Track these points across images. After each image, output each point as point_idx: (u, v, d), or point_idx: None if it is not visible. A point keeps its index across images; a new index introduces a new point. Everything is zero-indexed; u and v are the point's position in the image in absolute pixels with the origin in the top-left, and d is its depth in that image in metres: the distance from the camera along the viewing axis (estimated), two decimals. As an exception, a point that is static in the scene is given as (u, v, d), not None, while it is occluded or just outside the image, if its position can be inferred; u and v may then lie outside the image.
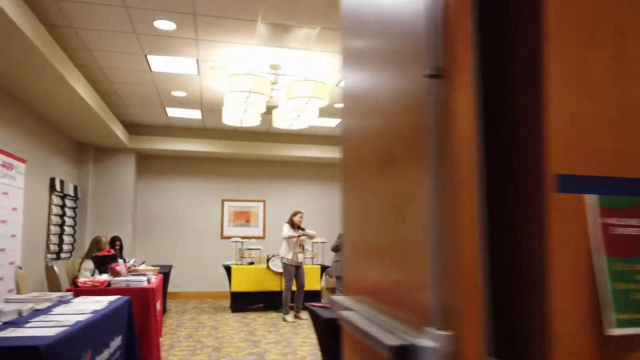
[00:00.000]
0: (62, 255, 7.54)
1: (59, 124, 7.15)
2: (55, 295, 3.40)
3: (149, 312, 4.25)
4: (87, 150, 8.62)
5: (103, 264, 5.32)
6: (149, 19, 4.61)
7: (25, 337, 2.19)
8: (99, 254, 5.58)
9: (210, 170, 9.99)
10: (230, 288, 7.99)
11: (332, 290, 9.86)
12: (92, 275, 5.53)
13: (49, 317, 2.73)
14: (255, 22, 4.66)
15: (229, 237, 9.82)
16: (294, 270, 7.05)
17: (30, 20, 4.17)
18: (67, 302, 3.42)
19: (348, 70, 1.52)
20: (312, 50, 5.33)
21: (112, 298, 3.61)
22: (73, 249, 8.10)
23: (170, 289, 8.80)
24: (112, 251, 5.78)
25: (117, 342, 3.33)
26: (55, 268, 5.75)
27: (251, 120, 6.59)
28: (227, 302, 8.90)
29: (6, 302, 3.16)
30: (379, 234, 1.19)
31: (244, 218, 10.07)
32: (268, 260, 8.04)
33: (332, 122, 8.69)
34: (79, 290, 4.22)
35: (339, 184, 10.59)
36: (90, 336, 2.65)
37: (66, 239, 7.68)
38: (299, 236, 7.10)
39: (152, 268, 5.83)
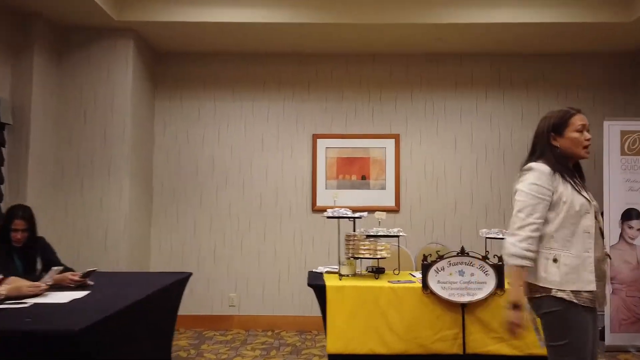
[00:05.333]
0: None
1: None
2: None
3: None
4: (33, 29, 4.10)
5: None
6: None
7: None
8: None
9: (287, 75, 5.03)
10: (325, 345, 3.00)
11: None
12: None
13: None
14: None
15: (329, 208, 4.80)
16: (591, 320, 1.84)
17: None
18: None
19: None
20: None
21: None
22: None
23: (216, 309, 4.14)
24: None
25: None
26: None
27: None
28: (323, 349, 3.98)
29: None
30: None
31: (356, 171, 5.01)
32: (426, 266, 2.91)
33: None
34: None
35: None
36: None
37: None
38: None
39: None
